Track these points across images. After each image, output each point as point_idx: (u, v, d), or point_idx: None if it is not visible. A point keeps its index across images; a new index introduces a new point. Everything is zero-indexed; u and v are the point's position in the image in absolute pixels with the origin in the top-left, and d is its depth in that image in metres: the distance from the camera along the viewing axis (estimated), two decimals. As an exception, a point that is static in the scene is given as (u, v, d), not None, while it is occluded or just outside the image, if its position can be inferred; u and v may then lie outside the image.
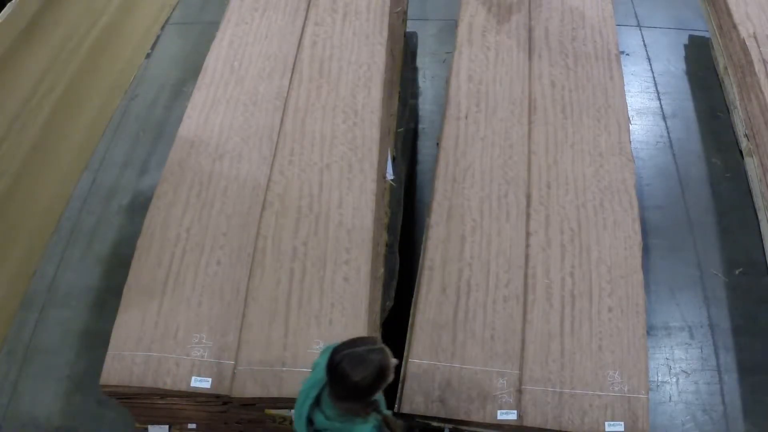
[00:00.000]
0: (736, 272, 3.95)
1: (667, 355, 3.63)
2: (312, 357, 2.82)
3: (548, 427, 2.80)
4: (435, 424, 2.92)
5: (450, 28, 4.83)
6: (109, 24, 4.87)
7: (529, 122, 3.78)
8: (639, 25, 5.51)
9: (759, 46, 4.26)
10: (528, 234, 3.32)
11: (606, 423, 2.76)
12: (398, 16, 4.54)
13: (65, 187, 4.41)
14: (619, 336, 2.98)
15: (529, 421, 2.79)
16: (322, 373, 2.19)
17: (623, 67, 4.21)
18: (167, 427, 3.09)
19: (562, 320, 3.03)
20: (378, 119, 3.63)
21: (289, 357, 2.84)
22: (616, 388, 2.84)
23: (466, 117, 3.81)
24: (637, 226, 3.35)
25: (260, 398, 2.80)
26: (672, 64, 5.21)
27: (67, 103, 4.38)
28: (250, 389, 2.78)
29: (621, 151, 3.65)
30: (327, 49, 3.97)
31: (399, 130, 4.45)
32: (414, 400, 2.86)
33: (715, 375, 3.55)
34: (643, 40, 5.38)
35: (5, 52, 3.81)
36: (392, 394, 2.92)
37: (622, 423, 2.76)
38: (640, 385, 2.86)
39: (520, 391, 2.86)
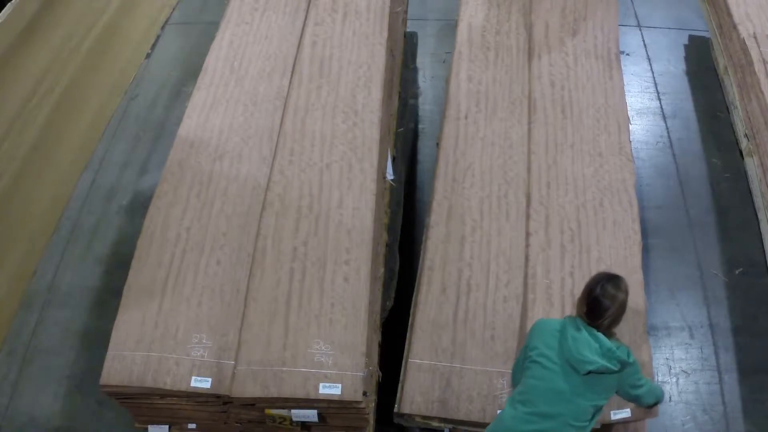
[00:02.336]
0: (736, 272, 3.95)
1: (667, 355, 3.63)
2: (312, 357, 2.83)
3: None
4: (435, 424, 2.92)
5: (450, 28, 4.83)
6: (109, 24, 4.87)
7: (529, 122, 3.78)
8: (639, 25, 5.51)
9: (759, 46, 4.26)
10: (528, 234, 3.32)
11: (611, 412, 2.77)
12: (398, 16, 4.54)
13: (65, 187, 4.41)
14: (620, 334, 2.98)
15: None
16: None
17: (623, 67, 4.21)
18: (167, 427, 3.09)
19: None
20: (378, 119, 3.63)
21: (289, 357, 2.84)
22: None
23: (466, 117, 3.81)
24: (637, 226, 3.35)
25: (260, 398, 2.79)
26: (672, 64, 5.21)
27: (67, 103, 4.38)
28: (250, 389, 2.78)
29: (621, 151, 3.65)
30: (327, 49, 3.97)
31: (399, 130, 4.45)
32: (414, 400, 2.86)
33: (715, 375, 3.55)
34: (643, 40, 5.38)
35: (5, 52, 3.81)
36: (392, 394, 2.92)
37: (628, 409, 2.77)
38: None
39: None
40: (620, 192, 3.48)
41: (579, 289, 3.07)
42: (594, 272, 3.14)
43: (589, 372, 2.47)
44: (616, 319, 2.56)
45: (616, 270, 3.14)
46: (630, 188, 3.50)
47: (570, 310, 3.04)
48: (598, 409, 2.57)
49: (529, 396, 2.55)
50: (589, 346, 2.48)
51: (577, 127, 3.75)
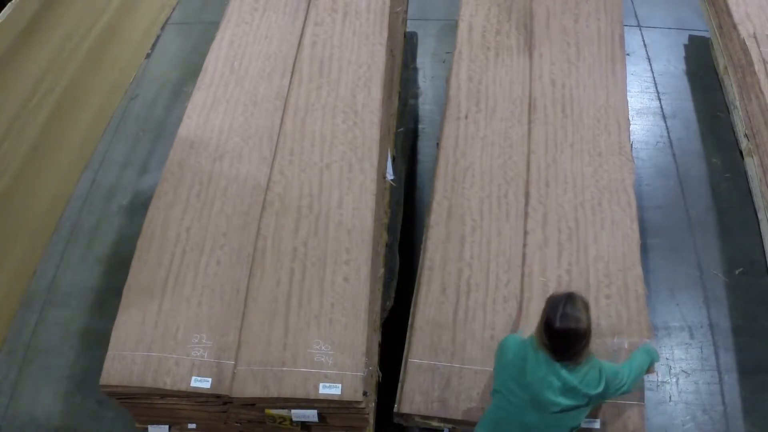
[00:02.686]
0: (736, 272, 3.95)
1: (667, 355, 3.63)
2: (312, 357, 2.83)
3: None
4: (435, 424, 2.92)
5: (450, 28, 4.83)
6: (109, 24, 4.87)
7: (529, 122, 3.78)
8: (639, 25, 5.51)
9: (759, 46, 4.26)
10: (525, 233, 3.32)
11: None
12: (398, 16, 4.54)
13: (65, 187, 4.41)
14: (618, 318, 3.00)
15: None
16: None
17: (623, 67, 4.21)
18: (167, 427, 3.09)
19: None
20: (378, 119, 3.63)
21: (289, 357, 2.84)
22: None
23: (466, 117, 3.81)
24: (636, 226, 3.35)
25: (260, 398, 2.79)
26: (672, 64, 5.21)
27: (67, 103, 4.38)
28: (250, 389, 2.78)
29: (620, 150, 3.65)
30: (327, 49, 3.97)
31: (399, 130, 4.45)
32: (414, 400, 2.86)
33: (715, 375, 3.55)
34: (643, 40, 5.38)
35: (5, 52, 3.81)
36: (392, 394, 2.92)
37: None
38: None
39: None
40: (619, 192, 3.48)
41: (575, 286, 3.09)
42: (592, 270, 3.15)
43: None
44: (586, 347, 2.37)
45: (614, 266, 3.16)
46: (629, 188, 3.50)
47: None
48: (576, 427, 2.52)
49: (501, 428, 2.53)
50: (551, 386, 2.37)
51: (578, 126, 3.75)
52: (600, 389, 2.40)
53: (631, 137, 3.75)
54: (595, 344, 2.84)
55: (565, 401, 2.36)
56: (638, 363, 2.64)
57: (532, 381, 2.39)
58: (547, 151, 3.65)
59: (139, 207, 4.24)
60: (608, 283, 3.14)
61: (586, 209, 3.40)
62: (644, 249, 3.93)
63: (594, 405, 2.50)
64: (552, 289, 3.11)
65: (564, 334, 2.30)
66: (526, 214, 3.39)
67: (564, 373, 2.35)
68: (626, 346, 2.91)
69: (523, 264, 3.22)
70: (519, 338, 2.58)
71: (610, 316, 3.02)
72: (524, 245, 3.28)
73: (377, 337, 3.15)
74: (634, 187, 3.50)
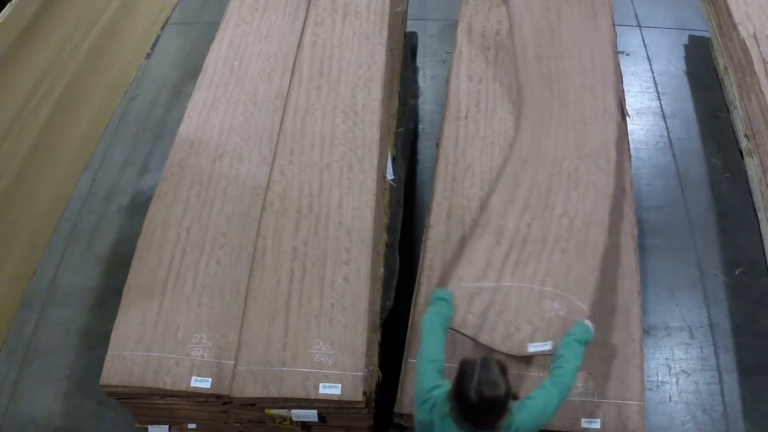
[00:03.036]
0: (736, 272, 3.95)
1: (667, 355, 3.63)
2: (312, 357, 2.83)
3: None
4: (435, 424, 2.92)
5: (450, 28, 4.83)
6: (109, 24, 4.87)
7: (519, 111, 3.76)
8: (639, 25, 5.51)
9: (759, 46, 4.26)
10: None
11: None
12: (398, 16, 4.54)
13: (65, 187, 4.41)
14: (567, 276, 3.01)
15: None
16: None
17: (623, 67, 4.20)
18: (167, 427, 3.09)
19: None
20: (378, 119, 3.63)
21: (289, 357, 2.84)
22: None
23: (466, 117, 3.81)
24: (611, 181, 3.33)
25: (260, 398, 2.79)
26: (672, 64, 5.20)
27: (67, 103, 4.38)
28: (250, 389, 2.78)
29: (605, 111, 3.62)
30: (327, 49, 3.97)
31: (399, 130, 4.44)
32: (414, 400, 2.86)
33: (715, 375, 3.54)
34: (643, 40, 5.38)
35: (5, 52, 3.81)
36: (392, 394, 2.92)
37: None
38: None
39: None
40: (600, 153, 3.45)
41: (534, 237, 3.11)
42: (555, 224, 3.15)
43: None
44: (503, 416, 2.09)
45: (578, 220, 3.17)
46: (611, 147, 3.46)
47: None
48: None
49: None
50: None
51: (564, 103, 3.72)
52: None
53: (630, 136, 3.72)
54: (530, 308, 2.87)
55: None
56: (570, 368, 2.44)
57: None
58: (542, 128, 3.63)
59: (139, 207, 4.24)
60: (567, 237, 3.14)
61: (562, 177, 3.39)
62: (644, 249, 3.93)
63: None
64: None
65: (479, 404, 2.03)
66: None
67: None
68: (564, 314, 2.84)
69: None
70: (426, 394, 2.29)
71: (559, 273, 3.01)
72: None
73: (377, 337, 3.14)
74: (615, 146, 3.47)
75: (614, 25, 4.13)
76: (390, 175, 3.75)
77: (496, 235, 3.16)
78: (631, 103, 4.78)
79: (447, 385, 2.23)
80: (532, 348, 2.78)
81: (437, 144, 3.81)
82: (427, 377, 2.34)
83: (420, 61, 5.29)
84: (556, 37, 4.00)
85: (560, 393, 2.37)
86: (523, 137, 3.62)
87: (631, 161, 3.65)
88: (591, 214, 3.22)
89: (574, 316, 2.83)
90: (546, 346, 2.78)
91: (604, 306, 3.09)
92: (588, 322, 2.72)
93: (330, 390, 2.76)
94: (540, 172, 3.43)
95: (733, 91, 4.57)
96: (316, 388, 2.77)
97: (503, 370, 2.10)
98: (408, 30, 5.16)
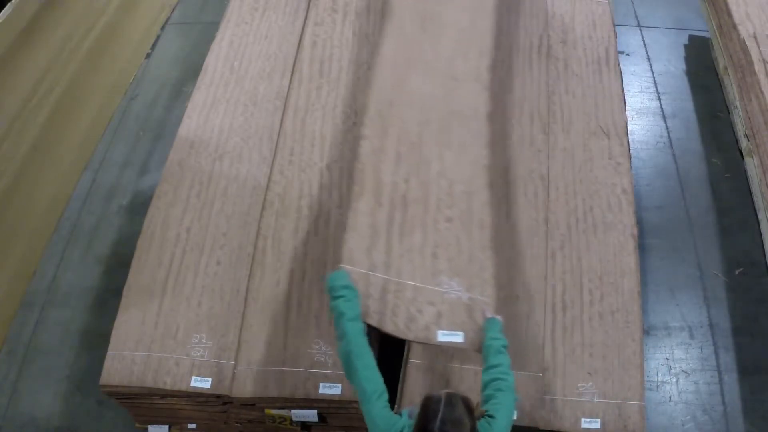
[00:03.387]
0: (736, 272, 3.95)
1: (667, 355, 3.63)
2: (312, 357, 2.83)
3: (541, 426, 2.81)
4: (435, 424, 2.91)
5: (450, 28, 4.82)
6: (109, 24, 4.86)
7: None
8: (639, 25, 5.51)
9: (759, 46, 4.26)
10: None
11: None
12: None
13: (65, 187, 4.41)
14: (459, 252, 2.79)
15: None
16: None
17: (623, 67, 4.20)
18: (167, 427, 3.09)
19: None
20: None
21: (289, 357, 2.84)
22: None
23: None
24: (485, 152, 3.11)
25: (260, 398, 2.80)
26: (672, 64, 5.20)
27: (67, 103, 4.38)
28: (250, 389, 2.78)
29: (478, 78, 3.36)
30: (327, 49, 3.97)
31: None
32: (413, 401, 2.86)
33: (715, 375, 3.54)
34: (643, 40, 5.38)
35: (5, 52, 3.81)
36: (392, 394, 2.92)
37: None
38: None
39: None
40: (470, 120, 3.19)
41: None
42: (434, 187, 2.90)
43: None
44: None
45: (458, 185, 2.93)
46: (482, 118, 3.21)
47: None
48: None
49: None
50: None
51: (436, 48, 3.44)
52: None
53: (630, 138, 3.67)
54: (427, 285, 2.66)
55: None
56: (511, 379, 2.35)
57: None
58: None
59: (139, 207, 4.24)
60: (450, 204, 2.91)
61: (432, 130, 3.12)
62: (644, 249, 3.94)
63: None
64: None
65: None
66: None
67: None
68: (466, 300, 2.66)
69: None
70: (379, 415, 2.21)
71: (450, 246, 2.79)
72: None
73: (377, 337, 3.14)
74: (488, 121, 3.23)
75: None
76: (390, 175, 3.75)
77: (374, 193, 2.88)
78: (631, 103, 4.78)
79: (404, 417, 2.18)
80: (442, 337, 2.58)
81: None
82: (381, 418, 2.20)
83: (420, 61, 5.29)
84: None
85: (513, 402, 2.30)
86: (384, 67, 3.32)
87: (630, 161, 3.64)
88: (469, 181, 2.98)
89: (479, 307, 2.63)
90: (457, 338, 2.57)
91: (604, 306, 3.10)
92: (499, 318, 2.56)
93: (330, 390, 2.76)
94: (408, 117, 3.13)
95: (733, 91, 4.57)
96: (316, 388, 2.77)
97: (468, 408, 2.04)
98: (408, 30, 5.15)
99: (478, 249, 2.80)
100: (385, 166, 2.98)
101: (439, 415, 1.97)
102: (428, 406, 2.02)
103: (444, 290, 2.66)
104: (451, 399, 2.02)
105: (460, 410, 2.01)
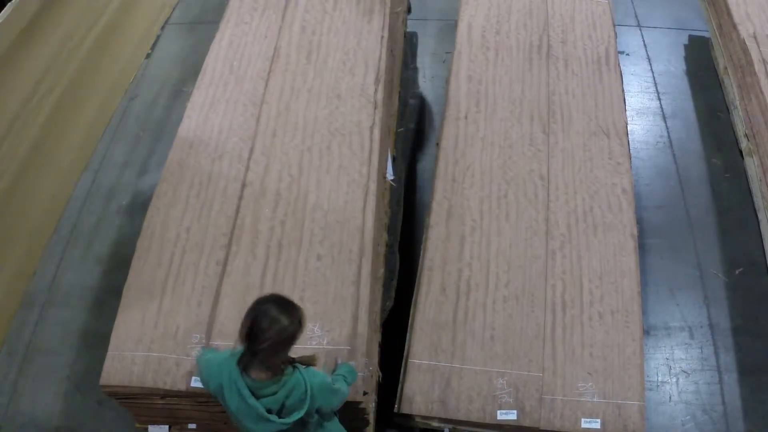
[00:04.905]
0: (736, 272, 3.95)
1: (667, 355, 3.63)
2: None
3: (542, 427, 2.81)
4: (435, 424, 2.92)
5: (450, 28, 4.83)
6: (109, 24, 4.86)
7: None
8: (639, 25, 5.51)
9: (759, 46, 4.26)
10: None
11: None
12: (398, 16, 4.54)
13: (65, 187, 4.41)
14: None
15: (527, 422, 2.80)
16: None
17: (623, 67, 4.20)
18: (167, 427, 3.09)
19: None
20: (378, 119, 3.62)
21: (288, 357, 2.84)
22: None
23: (466, 117, 3.81)
24: (365, 170, 3.28)
25: (260, 398, 2.79)
26: (672, 64, 5.21)
27: (67, 103, 4.38)
28: (250, 389, 2.78)
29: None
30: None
31: (399, 130, 4.45)
32: (414, 400, 2.86)
33: (715, 375, 3.55)
34: (643, 40, 5.38)
35: (5, 52, 3.81)
36: (392, 394, 2.92)
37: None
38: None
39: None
40: (352, 134, 3.38)
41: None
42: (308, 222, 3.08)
43: None
44: (276, 349, 2.09)
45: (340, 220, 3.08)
46: (365, 131, 3.40)
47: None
48: (324, 415, 2.37)
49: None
50: (248, 415, 2.15)
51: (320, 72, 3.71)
52: (306, 404, 2.17)
53: (630, 138, 3.71)
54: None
55: (267, 427, 2.15)
56: (346, 387, 2.46)
57: (234, 412, 2.18)
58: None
59: (139, 207, 4.24)
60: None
61: (313, 155, 3.35)
62: (644, 249, 3.94)
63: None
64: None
65: (257, 323, 2.05)
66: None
67: (251, 401, 2.11)
68: (325, 345, 2.73)
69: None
70: (210, 359, 2.32)
71: (317, 286, 2.91)
72: None
73: (377, 337, 3.15)
74: (370, 133, 3.42)
75: (387, 23, 4.06)
76: (390, 175, 3.75)
77: (250, 246, 3.04)
78: (631, 103, 4.79)
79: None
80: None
81: (437, 144, 3.81)
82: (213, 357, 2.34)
83: (420, 61, 5.30)
84: (327, 18, 4.07)
85: (345, 390, 2.41)
86: (271, 103, 3.60)
87: (630, 161, 3.65)
88: (344, 208, 3.08)
89: (337, 354, 2.72)
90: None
91: (604, 306, 3.10)
92: (352, 364, 2.64)
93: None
94: (290, 146, 3.33)
95: (733, 91, 4.58)
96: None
97: (292, 314, 2.09)
98: (408, 30, 5.16)
99: (344, 287, 2.89)
100: (263, 209, 3.15)
101: (264, 304, 2.09)
102: (257, 300, 2.14)
103: (309, 336, 2.74)
104: (284, 300, 2.13)
105: (287, 309, 2.09)
